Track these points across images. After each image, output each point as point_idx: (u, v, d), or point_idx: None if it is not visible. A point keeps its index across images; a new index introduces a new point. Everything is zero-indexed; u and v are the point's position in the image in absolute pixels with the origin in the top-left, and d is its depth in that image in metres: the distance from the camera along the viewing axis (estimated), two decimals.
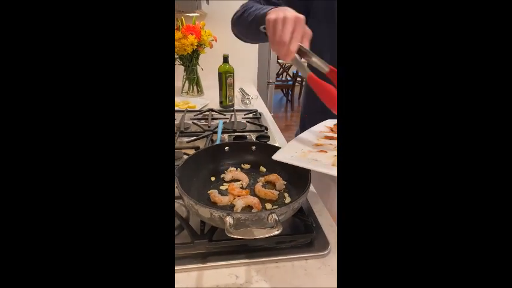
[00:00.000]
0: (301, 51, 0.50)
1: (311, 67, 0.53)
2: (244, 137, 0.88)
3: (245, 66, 1.76)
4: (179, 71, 1.38)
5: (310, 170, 0.50)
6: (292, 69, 4.02)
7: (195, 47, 1.29)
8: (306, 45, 0.51)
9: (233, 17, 0.75)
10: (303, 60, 0.52)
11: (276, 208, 0.43)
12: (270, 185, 0.59)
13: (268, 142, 0.84)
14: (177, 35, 1.26)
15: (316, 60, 0.51)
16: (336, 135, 0.59)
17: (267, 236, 0.37)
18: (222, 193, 0.55)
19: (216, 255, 0.44)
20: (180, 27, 1.30)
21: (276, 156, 0.49)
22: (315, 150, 0.52)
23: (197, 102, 1.26)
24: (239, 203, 0.50)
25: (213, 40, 1.37)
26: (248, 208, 0.51)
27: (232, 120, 1.02)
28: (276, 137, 0.93)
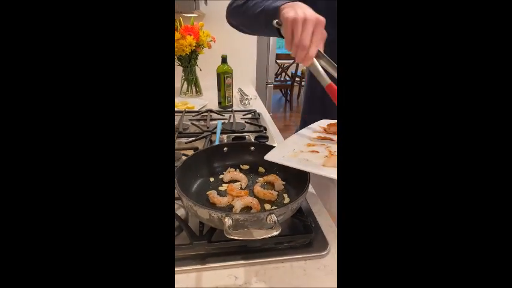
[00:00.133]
0: (316, 54, 0.49)
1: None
2: (243, 138, 0.88)
3: (244, 66, 1.76)
4: (177, 71, 1.38)
5: None
6: (291, 69, 4.02)
7: (194, 47, 1.29)
8: (321, 48, 0.49)
9: (231, 5, 0.69)
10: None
11: (275, 209, 0.43)
12: (269, 185, 0.59)
13: (267, 142, 0.84)
14: (176, 35, 1.26)
15: (325, 64, 0.50)
16: (328, 135, 0.59)
17: (266, 236, 0.37)
18: (221, 194, 0.55)
19: (215, 256, 0.44)
20: (179, 28, 1.30)
21: (268, 157, 0.50)
22: (307, 150, 0.52)
23: (196, 103, 1.26)
24: (238, 204, 0.50)
25: (211, 41, 1.37)
26: (247, 209, 0.51)
27: (231, 120, 1.02)
28: (275, 137, 0.93)
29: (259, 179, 0.60)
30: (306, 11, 0.47)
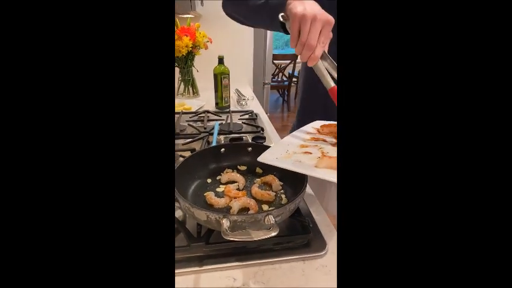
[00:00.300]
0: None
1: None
2: (241, 138, 0.88)
3: (240, 67, 1.76)
4: (174, 73, 1.38)
5: None
6: (288, 70, 4.02)
7: (190, 48, 1.29)
8: (327, 48, 0.48)
9: None
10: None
11: (273, 209, 0.42)
12: (267, 186, 0.59)
13: (264, 143, 0.84)
14: None
15: (329, 65, 0.49)
16: (322, 136, 0.60)
17: (263, 237, 0.37)
18: (219, 195, 0.55)
19: (212, 258, 0.44)
20: (175, 29, 1.30)
21: (261, 158, 0.49)
22: (300, 151, 0.52)
23: (193, 104, 1.26)
24: (235, 205, 0.50)
25: (208, 41, 1.37)
26: (245, 210, 0.51)
27: (228, 121, 1.02)
28: (272, 137, 0.93)
29: (257, 179, 0.60)
30: (315, 8, 0.45)
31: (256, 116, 1.10)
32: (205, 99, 1.34)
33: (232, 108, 1.24)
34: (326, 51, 0.48)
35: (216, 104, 1.23)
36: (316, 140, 0.58)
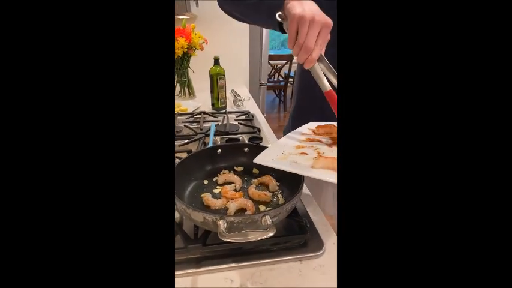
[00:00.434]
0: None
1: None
2: (237, 139, 0.88)
3: (236, 67, 1.76)
4: None
5: None
6: (284, 70, 4.03)
7: (186, 49, 1.28)
8: (323, 51, 0.47)
9: None
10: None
11: (270, 210, 0.42)
12: (264, 186, 0.59)
13: (261, 143, 0.84)
14: None
15: (324, 68, 0.49)
16: (317, 137, 0.60)
17: (260, 238, 0.37)
18: (216, 196, 0.55)
19: (210, 259, 0.44)
20: None
21: (257, 160, 0.49)
22: (296, 152, 0.52)
23: (189, 105, 1.25)
24: (232, 206, 0.50)
25: (203, 42, 1.37)
26: (242, 211, 0.51)
27: (225, 122, 1.01)
28: (268, 138, 0.93)
29: (254, 180, 0.60)
30: (313, 9, 0.44)
31: (253, 117, 1.10)
32: (202, 101, 1.33)
33: (228, 109, 1.24)
34: (322, 54, 0.48)
35: (212, 105, 1.23)
36: (312, 140, 0.58)
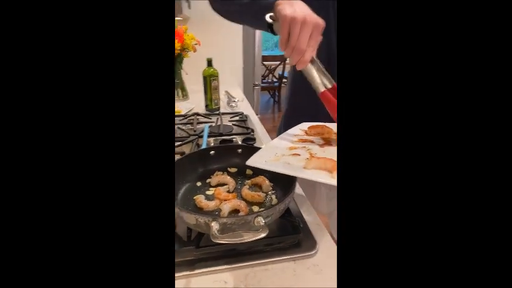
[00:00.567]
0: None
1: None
2: (231, 140, 0.88)
3: (230, 69, 1.76)
4: None
5: None
6: (278, 71, 4.04)
7: (179, 51, 1.28)
8: (315, 52, 0.47)
9: None
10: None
11: (262, 210, 0.42)
12: (257, 187, 0.59)
13: (254, 144, 0.84)
14: None
15: (317, 70, 0.49)
16: (309, 138, 0.60)
17: (253, 239, 0.37)
18: (209, 198, 0.55)
19: (203, 261, 0.43)
20: None
21: (250, 162, 0.49)
22: (288, 153, 0.52)
23: (182, 107, 1.25)
24: (225, 207, 0.50)
25: (196, 44, 1.37)
26: (235, 212, 0.51)
27: (219, 123, 1.01)
28: (262, 138, 0.93)
29: (247, 181, 0.60)
30: (304, 10, 0.44)
31: (247, 118, 1.10)
32: (195, 102, 1.33)
33: (222, 110, 1.23)
34: (315, 55, 0.48)
35: (206, 106, 1.22)
36: (304, 141, 0.58)
